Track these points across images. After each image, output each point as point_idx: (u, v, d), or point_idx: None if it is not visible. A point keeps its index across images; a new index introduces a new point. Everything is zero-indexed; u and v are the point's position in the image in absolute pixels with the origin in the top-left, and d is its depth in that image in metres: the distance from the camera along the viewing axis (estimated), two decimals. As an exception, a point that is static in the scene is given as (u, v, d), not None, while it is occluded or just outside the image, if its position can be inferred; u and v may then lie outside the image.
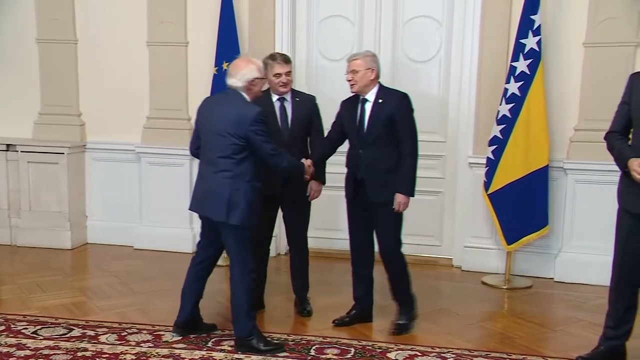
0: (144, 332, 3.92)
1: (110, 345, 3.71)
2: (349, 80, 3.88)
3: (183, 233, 5.58)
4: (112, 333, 3.88)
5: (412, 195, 3.90)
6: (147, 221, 5.65)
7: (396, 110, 3.81)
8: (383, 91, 3.90)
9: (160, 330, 3.94)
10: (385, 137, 3.83)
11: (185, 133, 5.49)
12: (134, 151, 5.62)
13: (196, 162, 5.40)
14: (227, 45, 5.12)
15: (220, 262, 5.28)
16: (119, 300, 4.48)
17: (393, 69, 5.23)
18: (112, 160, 5.73)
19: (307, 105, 4.17)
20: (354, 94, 3.93)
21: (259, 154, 3.57)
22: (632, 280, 3.47)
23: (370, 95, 3.89)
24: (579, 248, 4.85)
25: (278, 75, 4.02)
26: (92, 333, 3.87)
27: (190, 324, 3.88)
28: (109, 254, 5.56)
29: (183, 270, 5.18)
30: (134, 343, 3.75)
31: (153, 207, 5.62)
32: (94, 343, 3.73)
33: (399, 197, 3.86)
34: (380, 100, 3.85)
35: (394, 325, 4.00)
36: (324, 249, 5.39)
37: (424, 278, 4.98)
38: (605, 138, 3.49)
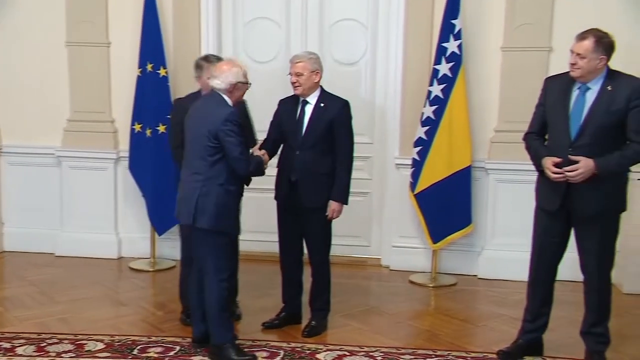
0: (65, 342, 3.79)
1: (28, 357, 3.56)
2: (293, 83, 3.87)
3: (108, 238, 5.43)
4: (30, 344, 3.72)
5: (346, 204, 3.95)
6: (69, 227, 5.46)
7: (337, 116, 3.85)
8: (325, 95, 3.92)
9: (82, 340, 3.82)
10: (323, 141, 3.85)
11: (109, 136, 5.36)
12: (53, 155, 5.41)
13: (121, 165, 5.35)
14: (151, 47, 5.01)
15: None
16: (39, 310, 4.30)
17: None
18: (30, 165, 5.48)
19: (239, 107, 4.12)
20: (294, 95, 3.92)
21: (228, 156, 3.46)
22: (548, 275, 3.63)
23: (312, 98, 3.91)
24: (501, 245, 5.01)
25: None
26: (7, 345, 3.71)
27: (207, 335, 3.69)
28: (28, 262, 5.32)
29: (108, 277, 5.09)
30: (54, 354, 3.62)
31: (75, 213, 5.43)
32: (10, 356, 3.57)
33: (333, 205, 3.89)
34: (322, 104, 3.87)
35: (308, 327, 4.01)
36: (252, 252, 5.36)
37: (353, 278, 5.04)
38: (523, 139, 3.64)
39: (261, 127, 4.58)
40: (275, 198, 4.05)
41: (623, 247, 4.77)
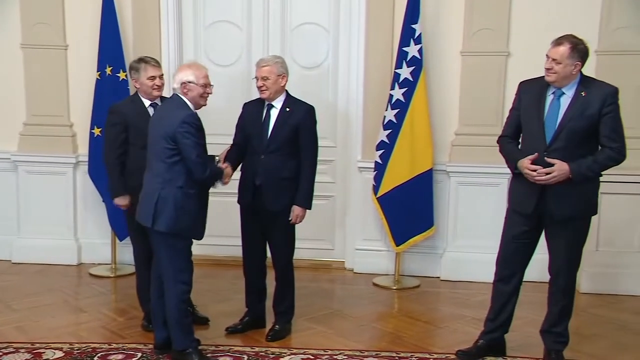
0: (22, 351, 3.70)
1: (-17, 368, 3.46)
2: (260, 87, 3.85)
3: (67, 244, 5.32)
4: (-15, 354, 3.62)
5: (310, 209, 3.95)
6: (27, 233, 5.33)
7: (302, 121, 3.86)
8: (290, 99, 3.91)
9: (40, 349, 3.73)
10: (287, 146, 3.85)
11: (67, 140, 5.26)
12: (9, 159, 5.28)
13: (80, 169, 5.25)
14: (110, 49, 4.94)
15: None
16: (-5, 319, 4.19)
17: (282, 74, 5.26)
18: (-16, 170, 5.35)
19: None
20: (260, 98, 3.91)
21: (185, 159, 3.40)
22: (514, 276, 3.67)
23: (278, 102, 3.90)
24: (463, 247, 5.06)
25: (152, 78, 3.92)
26: (-39, 356, 3.60)
27: (169, 341, 3.62)
28: (-18, 270, 5.19)
29: (67, 283, 4.99)
30: (10, 364, 3.52)
31: (33, 218, 5.31)
32: (-37, 366, 3.47)
33: (297, 210, 3.89)
34: (288, 109, 3.86)
35: (272, 332, 3.99)
36: (215, 256, 5.32)
37: (318, 282, 5.04)
38: (497, 142, 3.69)
39: (222, 131, 4.58)
40: (239, 202, 4.02)
41: (580, 248, 4.90)
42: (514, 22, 4.85)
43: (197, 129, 3.43)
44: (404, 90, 4.79)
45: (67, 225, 5.32)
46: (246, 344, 3.88)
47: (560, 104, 3.42)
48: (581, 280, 4.84)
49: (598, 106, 3.35)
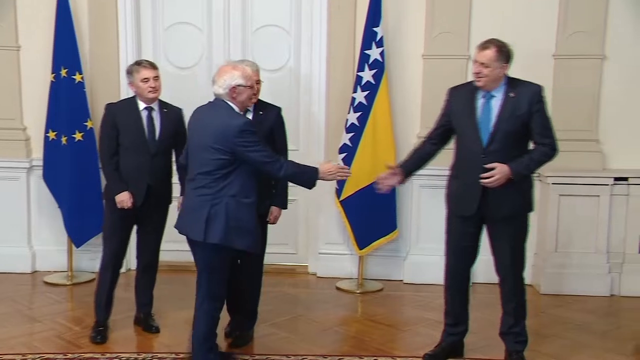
0: (-28, 364, 3.55)
1: None
2: (255, 94, 3.77)
3: (20, 252, 5.16)
4: None
5: (286, 209, 3.99)
6: (-23, 241, 5.15)
7: (275, 123, 3.86)
8: (261, 103, 3.87)
9: (-9, 361, 3.59)
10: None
11: (20, 144, 5.10)
12: (-42, 164, 5.10)
13: (34, 174, 5.09)
14: (65, 51, 4.81)
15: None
16: (-59, 331, 4.03)
17: (244, 77, 5.20)
18: None
19: (173, 116, 4.02)
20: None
21: (253, 165, 3.25)
22: (464, 279, 3.73)
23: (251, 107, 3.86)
24: (425, 250, 5.08)
25: (146, 80, 3.84)
26: None
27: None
28: None
29: (21, 292, 4.83)
30: (-41, 377, 3.38)
31: (-16, 225, 5.13)
32: None
33: (276, 211, 3.92)
34: (261, 112, 3.84)
35: (236, 336, 3.96)
36: (175, 262, 5.23)
37: (280, 286, 4.99)
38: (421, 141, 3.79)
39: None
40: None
41: (540, 250, 4.98)
42: (474, 26, 4.89)
43: (254, 134, 3.25)
44: (366, 93, 4.79)
45: (21, 232, 5.15)
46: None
47: (491, 107, 3.49)
48: (540, 281, 4.93)
49: (527, 105, 3.44)
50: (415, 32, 4.94)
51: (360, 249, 4.96)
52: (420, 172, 4.96)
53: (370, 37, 4.75)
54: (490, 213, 3.53)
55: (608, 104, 4.88)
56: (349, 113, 4.86)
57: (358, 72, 4.81)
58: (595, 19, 4.78)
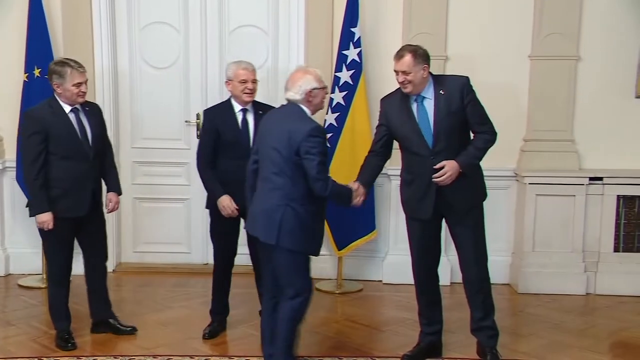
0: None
1: None
2: (251, 90, 3.94)
3: (-7, 255, 5.09)
4: None
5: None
6: (-51, 244, 5.06)
7: None
8: (259, 104, 4.02)
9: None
10: None
11: (-7, 145, 5.03)
12: None
13: (7, 175, 5.01)
14: (38, 50, 4.73)
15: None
16: None
17: (221, 77, 5.14)
18: None
19: (95, 114, 3.92)
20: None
21: (308, 176, 3.22)
22: (432, 279, 3.78)
23: (250, 106, 3.99)
24: (404, 250, 4.97)
25: (78, 84, 3.72)
26: None
27: None
28: None
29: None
30: None
31: (-44, 229, 5.04)
32: None
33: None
34: (260, 112, 3.90)
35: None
36: (151, 264, 5.21)
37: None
38: (365, 157, 3.79)
39: (158, 135, 4.47)
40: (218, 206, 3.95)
41: (517, 249, 5.02)
42: (451, 27, 4.92)
43: (324, 144, 3.29)
44: (344, 93, 4.79)
45: (-7, 234, 5.08)
46: (185, 354, 3.78)
47: (426, 109, 3.54)
48: (518, 280, 4.96)
49: (459, 99, 3.51)
50: (393, 32, 4.94)
51: (339, 249, 4.95)
52: (398, 172, 5.04)
53: (347, 38, 4.76)
54: (448, 210, 3.59)
55: (583, 104, 4.93)
56: (327, 114, 4.84)
57: (336, 72, 4.81)
58: (569, 21, 4.83)
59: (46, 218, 3.71)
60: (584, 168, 4.95)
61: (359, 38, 4.75)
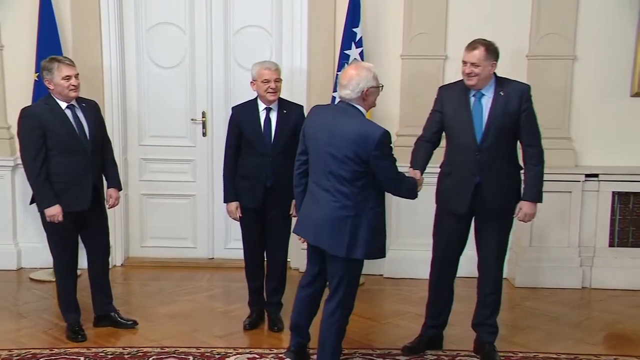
0: (-39, 360, 3.60)
1: None
2: (274, 90, 3.96)
3: (6, 249, 5.19)
4: None
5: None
6: (-38, 239, 5.17)
7: (299, 121, 3.93)
8: (283, 102, 4.09)
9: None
10: (291, 146, 3.88)
11: (5, 142, 5.13)
12: (-56, 163, 5.12)
13: (19, 172, 5.12)
14: (49, 51, 4.79)
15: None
16: None
17: (226, 76, 5.28)
18: None
19: (92, 110, 3.99)
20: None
21: (379, 179, 3.16)
22: (451, 273, 3.81)
23: (275, 105, 4.04)
24: (405, 245, 5.17)
25: (67, 77, 3.78)
26: None
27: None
28: None
29: (6, 289, 4.87)
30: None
31: (-31, 224, 5.15)
32: None
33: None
34: (285, 111, 4.03)
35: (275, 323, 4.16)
36: (159, 258, 5.32)
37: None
38: (415, 143, 3.83)
39: (165, 133, 4.54)
40: (243, 205, 4.04)
41: (515, 244, 5.09)
42: (450, 27, 5.01)
43: (391, 147, 3.18)
44: (346, 92, 4.88)
45: (6, 229, 5.18)
46: (192, 345, 3.88)
47: (482, 105, 3.60)
48: (515, 274, 5.05)
49: (517, 103, 3.56)
50: (393, 32, 5.03)
51: (341, 244, 5.04)
52: (401, 169, 5.13)
53: (349, 38, 4.85)
54: (481, 207, 3.62)
55: (579, 103, 5.02)
56: (329, 112, 4.94)
57: (338, 71, 4.90)
58: (566, 21, 4.91)
59: (55, 211, 3.79)
60: (580, 165, 5.05)
61: (361, 38, 4.84)
